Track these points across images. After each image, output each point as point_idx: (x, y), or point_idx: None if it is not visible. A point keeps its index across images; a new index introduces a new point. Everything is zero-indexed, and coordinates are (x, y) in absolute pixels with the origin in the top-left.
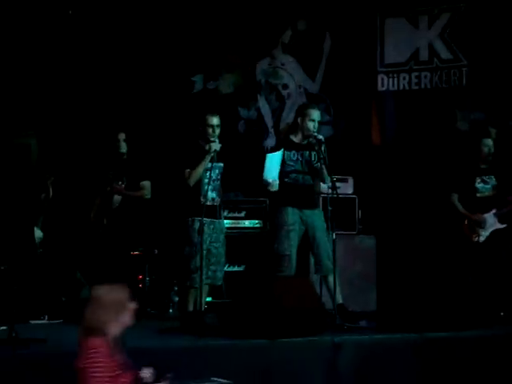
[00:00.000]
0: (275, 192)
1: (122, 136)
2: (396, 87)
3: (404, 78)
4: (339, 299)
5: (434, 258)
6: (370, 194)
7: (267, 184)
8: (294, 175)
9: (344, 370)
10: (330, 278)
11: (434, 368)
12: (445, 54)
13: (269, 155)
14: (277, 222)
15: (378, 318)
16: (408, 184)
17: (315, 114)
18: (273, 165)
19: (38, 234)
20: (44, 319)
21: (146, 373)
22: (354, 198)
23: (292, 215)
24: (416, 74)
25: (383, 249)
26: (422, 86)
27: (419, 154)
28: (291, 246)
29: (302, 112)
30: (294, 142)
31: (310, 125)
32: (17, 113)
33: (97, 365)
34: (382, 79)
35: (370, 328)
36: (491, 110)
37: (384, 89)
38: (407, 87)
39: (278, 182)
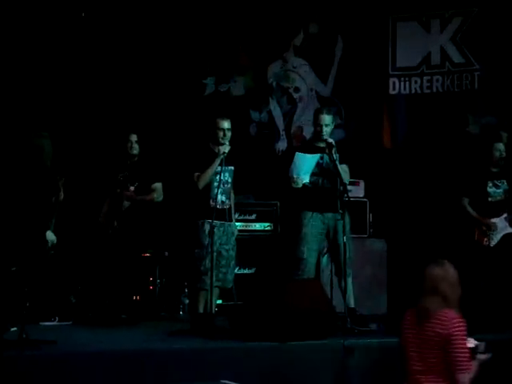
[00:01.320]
0: (295, 195)
1: (133, 137)
2: (408, 91)
3: (416, 82)
4: (351, 303)
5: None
6: (381, 198)
7: (292, 179)
8: (313, 178)
9: (354, 374)
10: (346, 282)
11: None
12: (457, 57)
13: (299, 154)
14: (295, 225)
15: (389, 322)
16: (419, 187)
17: (324, 118)
18: (304, 164)
19: (51, 236)
20: (54, 321)
21: (472, 343)
22: (365, 202)
23: (311, 219)
24: (428, 77)
25: (394, 252)
26: (434, 89)
27: (430, 157)
28: (309, 249)
29: (314, 116)
30: (312, 145)
31: (318, 129)
32: (30, 114)
33: (463, 333)
34: (394, 83)
35: (380, 331)
36: (503, 114)
37: (395, 92)
38: (419, 91)
39: (303, 181)
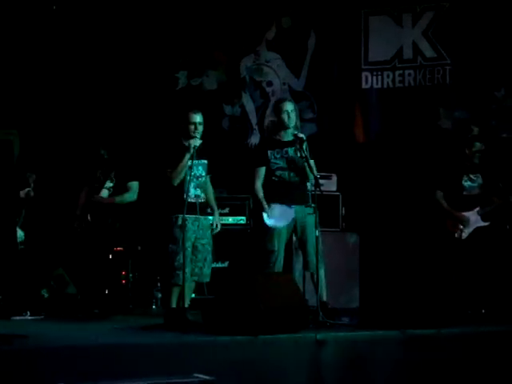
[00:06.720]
0: (264, 189)
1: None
2: (380, 85)
3: (388, 76)
4: (323, 296)
5: (417, 255)
6: (353, 192)
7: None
8: (279, 172)
9: (326, 367)
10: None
11: (416, 365)
12: (428, 52)
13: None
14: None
15: (361, 315)
16: (391, 181)
17: (287, 105)
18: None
19: (19, 233)
20: (26, 315)
21: None
22: (338, 195)
23: None
24: (400, 72)
25: (366, 246)
26: (406, 84)
27: (402, 151)
28: (279, 242)
29: (277, 108)
30: (276, 139)
31: (285, 117)
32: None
33: None
34: (366, 77)
35: (352, 325)
36: (474, 108)
37: (368, 86)
38: (391, 85)
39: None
